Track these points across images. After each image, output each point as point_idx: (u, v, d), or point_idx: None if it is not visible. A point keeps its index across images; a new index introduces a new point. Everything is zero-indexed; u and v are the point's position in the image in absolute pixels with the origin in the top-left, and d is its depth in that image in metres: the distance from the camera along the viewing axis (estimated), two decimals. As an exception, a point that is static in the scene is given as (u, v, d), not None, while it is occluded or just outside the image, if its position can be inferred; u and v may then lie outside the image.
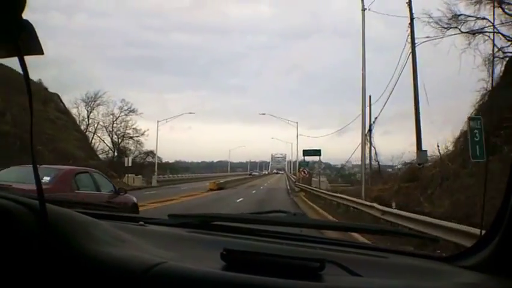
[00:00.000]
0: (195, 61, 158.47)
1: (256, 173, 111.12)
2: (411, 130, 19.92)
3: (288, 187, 43.34)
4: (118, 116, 49.17)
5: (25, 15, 0.77)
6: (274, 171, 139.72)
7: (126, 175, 37.86)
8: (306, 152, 38.95)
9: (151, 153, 50.89)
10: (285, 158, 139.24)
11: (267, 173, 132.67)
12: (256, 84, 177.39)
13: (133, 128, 49.97)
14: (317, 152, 37.57)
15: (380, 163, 31.75)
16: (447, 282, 1.05)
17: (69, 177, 8.19)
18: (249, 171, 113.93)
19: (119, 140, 49.48)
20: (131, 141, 49.74)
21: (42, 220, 0.88)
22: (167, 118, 45.58)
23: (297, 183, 39.81)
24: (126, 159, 42.09)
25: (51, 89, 39.32)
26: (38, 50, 0.82)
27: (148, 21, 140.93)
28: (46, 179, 7.42)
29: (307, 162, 40.68)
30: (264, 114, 60.11)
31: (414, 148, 19.78)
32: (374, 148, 32.71)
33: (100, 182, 8.89)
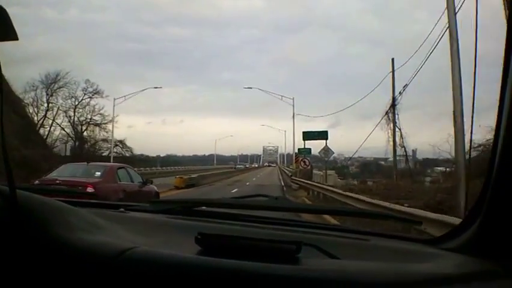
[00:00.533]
0: (188, 55, 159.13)
1: (241, 166, 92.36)
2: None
3: (282, 183, 33.63)
4: (81, 99, 41.99)
5: None
6: (266, 164, 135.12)
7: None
8: (307, 135, 28.46)
9: (120, 143, 43.70)
10: (277, 150, 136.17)
11: (256, 166, 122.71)
12: (250, 77, 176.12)
13: (100, 114, 42.84)
14: (322, 135, 27.32)
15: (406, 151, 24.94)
16: (429, 264, 1.06)
17: (113, 172, 10.42)
18: (234, 165, 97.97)
19: (82, 128, 42.33)
20: (98, 129, 42.91)
21: (12, 206, 0.88)
22: (126, 95, 37.44)
23: (293, 177, 30.86)
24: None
25: (40, 85, 37.31)
26: (12, 35, 0.81)
27: (140, 14, 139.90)
28: (98, 173, 9.93)
29: (309, 149, 30.22)
30: (250, 88, 45.96)
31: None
32: (400, 131, 25.56)
33: (132, 175, 11.19)
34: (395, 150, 24.63)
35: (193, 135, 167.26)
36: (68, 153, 36.11)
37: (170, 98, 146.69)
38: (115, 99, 37.43)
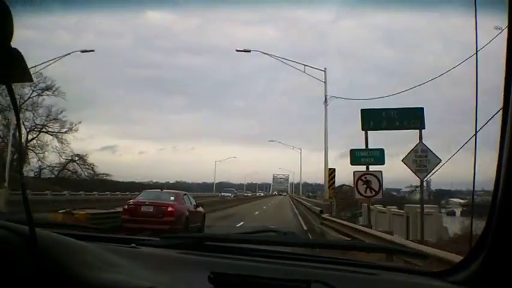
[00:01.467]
0: (200, 82, 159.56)
1: (228, 195, 61.64)
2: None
3: (303, 224, 20.16)
4: (28, 97, 31.51)
5: (14, 43, 0.78)
6: (275, 192, 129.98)
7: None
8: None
9: (80, 159, 32.90)
10: (288, 179, 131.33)
11: (262, 194, 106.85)
12: (261, 106, 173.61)
13: (54, 119, 32.28)
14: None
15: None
16: None
17: (181, 197, 13.72)
18: (220, 193, 64.86)
19: (28, 135, 31.80)
20: (51, 138, 34.83)
21: (33, 247, 0.88)
22: (36, 65, 26.69)
23: (327, 216, 16.23)
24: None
25: (55, 109, 33.55)
26: (26, 77, 0.83)
27: (153, 42, 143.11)
28: (171, 198, 13.21)
29: (382, 150, 14.48)
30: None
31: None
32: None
33: (190, 199, 14.40)
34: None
35: (204, 163, 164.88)
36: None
37: (182, 125, 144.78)
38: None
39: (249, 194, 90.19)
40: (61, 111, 34.66)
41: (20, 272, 0.87)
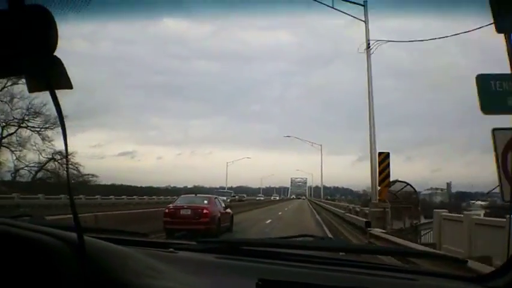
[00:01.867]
0: (216, 87, 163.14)
1: (223, 198, 24.91)
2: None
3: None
4: (4, 86, 29.19)
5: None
6: (293, 196, 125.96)
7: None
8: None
9: (59, 154, 30.50)
10: (306, 182, 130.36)
11: (277, 198, 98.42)
12: (277, 110, 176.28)
13: (36, 113, 30.37)
14: None
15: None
16: None
17: (213, 200, 15.64)
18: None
19: (3, 130, 30.25)
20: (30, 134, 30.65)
21: (81, 255, 0.88)
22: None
23: (379, 232, 9.27)
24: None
25: (72, 115, 28.53)
26: (67, 84, 0.87)
27: (170, 48, 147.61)
28: (205, 201, 14.98)
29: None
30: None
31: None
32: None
33: (220, 202, 16.32)
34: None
35: (221, 168, 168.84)
36: None
37: (200, 130, 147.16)
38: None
39: (262, 198, 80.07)
40: (45, 104, 30.58)
41: (70, 281, 0.85)
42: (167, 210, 14.38)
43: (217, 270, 1.30)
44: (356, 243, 7.99)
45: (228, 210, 16.58)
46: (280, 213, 32.03)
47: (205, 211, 14.09)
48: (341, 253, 1.70)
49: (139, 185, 43.54)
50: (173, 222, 13.67)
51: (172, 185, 52.30)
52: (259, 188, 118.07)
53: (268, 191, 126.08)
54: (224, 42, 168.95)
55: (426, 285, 1.30)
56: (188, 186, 62.28)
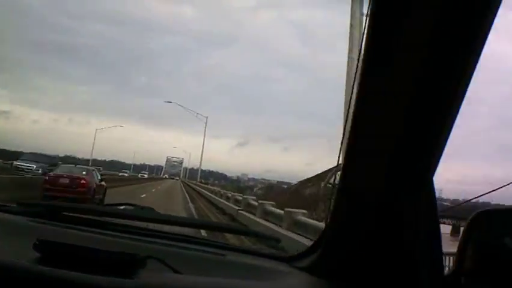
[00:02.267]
0: (107, 54, 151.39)
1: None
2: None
3: None
4: None
5: None
6: (166, 176, 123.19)
7: None
8: None
9: None
10: (182, 162, 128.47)
11: (145, 176, 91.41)
12: (165, 85, 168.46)
13: None
14: None
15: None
16: (278, 282, 1.14)
17: (92, 173, 16.61)
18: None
19: None
20: None
21: None
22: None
23: None
24: None
25: None
26: None
27: (65, 4, 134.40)
28: (84, 172, 15.94)
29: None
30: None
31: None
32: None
33: (97, 174, 17.27)
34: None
35: (98, 139, 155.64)
36: None
37: (81, 96, 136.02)
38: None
39: (126, 174, 69.70)
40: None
41: None
42: (47, 178, 15.24)
43: (15, 231, 1.26)
44: (178, 216, 6.25)
45: (103, 183, 17.54)
46: (144, 195, 24.64)
47: (82, 181, 15.07)
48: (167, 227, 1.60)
49: (12, 149, 40.22)
50: (52, 189, 14.26)
51: (44, 153, 48.34)
52: (130, 164, 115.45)
53: (142, 168, 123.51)
54: (125, 7, 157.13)
55: (232, 262, 1.28)
56: (60, 155, 57.85)
